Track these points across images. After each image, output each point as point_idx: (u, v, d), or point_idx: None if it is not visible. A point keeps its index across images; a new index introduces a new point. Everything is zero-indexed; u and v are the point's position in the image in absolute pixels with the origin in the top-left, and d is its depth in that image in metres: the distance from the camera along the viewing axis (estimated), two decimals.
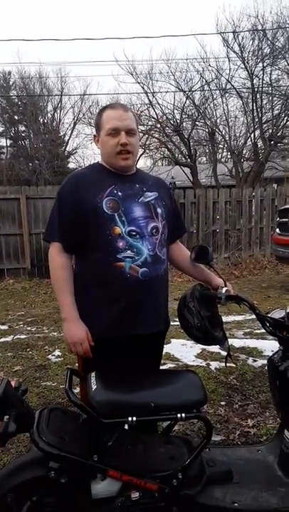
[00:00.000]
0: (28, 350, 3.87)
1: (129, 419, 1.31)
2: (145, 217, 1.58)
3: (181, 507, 1.41)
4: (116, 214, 1.54)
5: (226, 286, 1.63)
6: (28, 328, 4.67)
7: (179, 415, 1.35)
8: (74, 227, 1.57)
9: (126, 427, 1.40)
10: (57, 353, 3.74)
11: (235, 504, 1.45)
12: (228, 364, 2.05)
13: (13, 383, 1.35)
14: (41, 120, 21.35)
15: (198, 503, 1.43)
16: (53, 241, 1.62)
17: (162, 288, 1.66)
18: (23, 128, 22.61)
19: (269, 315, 1.55)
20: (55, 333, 4.39)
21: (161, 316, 1.69)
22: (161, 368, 1.90)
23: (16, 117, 22.75)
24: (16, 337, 4.31)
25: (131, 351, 1.61)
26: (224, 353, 1.70)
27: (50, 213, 1.65)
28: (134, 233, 1.54)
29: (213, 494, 1.47)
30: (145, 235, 1.56)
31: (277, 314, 1.55)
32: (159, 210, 1.63)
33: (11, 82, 22.98)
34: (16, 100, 22.51)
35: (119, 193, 1.57)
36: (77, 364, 3.39)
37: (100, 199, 1.54)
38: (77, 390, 2.72)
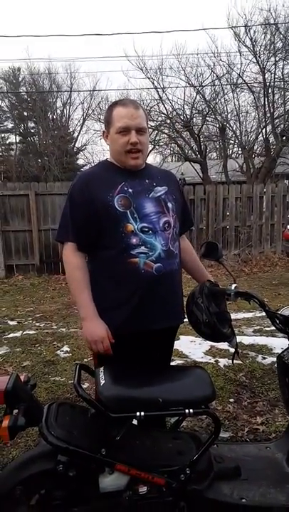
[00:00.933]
0: (36, 345, 3.90)
1: (137, 414, 1.31)
2: (157, 212, 1.58)
3: (188, 502, 1.42)
4: (128, 211, 1.54)
5: (235, 283, 1.62)
6: (37, 324, 4.70)
7: (187, 411, 1.35)
8: (87, 226, 1.57)
9: (134, 421, 1.41)
10: (65, 348, 3.76)
11: (243, 500, 1.45)
12: (235, 361, 2.05)
13: (22, 378, 1.37)
14: (50, 116, 21.42)
15: (205, 499, 1.43)
16: (67, 241, 1.62)
17: (176, 282, 1.66)
18: (33, 124, 22.69)
19: (279, 312, 1.54)
20: (63, 329, 4.42)
21: (177, 310, 1.69)
22: (170, 364, 1.90)
23: (26, 114, 22.84)
24: (24, 332, 4.34)
25: (145, 346, 1.62)
26: (233, 350, 1.69)
27: (62, 213, 1.66)
28: (146, 229, 1.55)
29: (220, 490, 1.47)
30: (158, 230, 1.57)
31: (287, 311, 1.53)
32: (169, 205, 1.63)
33: (20, 79, 23.07)
34: (26, 96, 22.58)
35: (130, 190, 1.57)
36: (85, 360, 3.41)
37: (111, 197, 1.54)
38: (85, 385, 2.74)
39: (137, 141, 1.56)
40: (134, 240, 1.53)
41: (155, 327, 1.61)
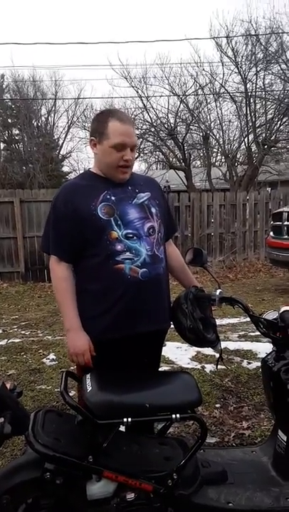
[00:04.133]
0: (22, 353, 3.86)
1: (124, 420, 1.32)
2: (140, 218, 1.60)
3: (176, 507, 1.42)
4: (112, 218, 1.56)
5: (219, 288, 1.64)
6: (22, 332, 4.65)
7: (173, 416, 1.37)
8: (70, 237, 1.59)
9: (122, 428, 1.41)
10: (51, 356, 3.73)
11: (230, 504, 1.46)
12: (221, 366, 2.07)
13: (8, 385, 1.35)
14: (35, 124, 21.32)
15: (193, 503, 1.44)
16: (51, 254, 1.64)
17: (163, 286, 1.67)
18: (17, 131, 22.56)
19: (263, 316, 1.57)
20: (49, 337, 4.38)
21: (163, 315, 1.70)
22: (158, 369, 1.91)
23: (10, 120, 22.70)
24: (10, 341, 4.29)
25: (133, 350, 1.63)
26: (218, 356, 1.71)
27: (46, 224, 1.67)
28: (131, 235, 1.56)
29: (207, 494, 1.48)
30: (142, 235, 1.58)
31: (271, 315, 1.57)
32: (153, 210, 1.65)
33: (4, 85, 22.95)
34: (10, 103, 22.47)
35: (113, 198, 1.59)
36: (72, 367, 3.40)
37: (94, 206, 1.56)
38: (72, 393, 2.72)
39: (131, 158, 1.60)
40: (118, 247, 1.55)
41: (142, 330, 1.61)
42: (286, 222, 5.94)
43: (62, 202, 1.61)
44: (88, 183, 1.65)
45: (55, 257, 1.63)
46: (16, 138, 22.92)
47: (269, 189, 10.50)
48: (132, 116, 12.59)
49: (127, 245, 1.55)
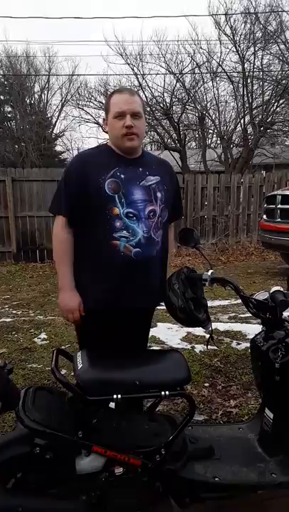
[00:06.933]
0: (13, 333, 3.87)
1: (115, 396, 1.33)
2: (144, 200, 1.65)
3: (163, 482, 1.45)
4: (116, 195, 1.62)
5: (211, 269, 1.65)
6: (14, 312, 4.65)
7: (163, 393, 1.38)
8: (78, 203, 1.65)
9: (111, 404, 1.43)
10: (43, 336, 3.75)
11: (216, 479, 1.50)
12: (211, 347, 2.09)
13: None
14: (28, 101, 20.84)
15: (180, 478, 1.47)
16: (59, 215, 1.70)
17: (154, 268, 1.72)
18: (9, 109, 22.05)
19: (253, 297, 1.58)
20: (41, 317, 4.39)
21: (151, 294, 1.75)
22: (146, 345, 1.94)
23: (2, 97, 22.17)
24: (1, 320, 4.29)
25: (120, 323, 1.72)
26: (208, 336, 1.73)
27: (57, 188, 1.75)
28: (131, 215, 1.62)
29: (194, 469, 1.51)
30: (142, 217, 1.64)
31: (261, 296, 1.57)
32: (158, 194, 1.69)
33: None
34: (2, 80, 21.89)
35: (122, 176, 1.64)
36: (63, 346, 3.42)
37: (103, 180, 1.62)
38: (63, 371, 2.74)
39: (131, 124, 1.63)
40: (118, 224, 1.61)
41: (129, 306, 1.69)
42: (279, 206, 5.94)
43: (75, 169, 1.70)
44: (102, 156, 1.71)
45: (62, 219, 1.69)
46: (9, 116, 22.43)
47: (264, 172, 10.46)
48: None
49: (125, 224, 1.62)
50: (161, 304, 1.78)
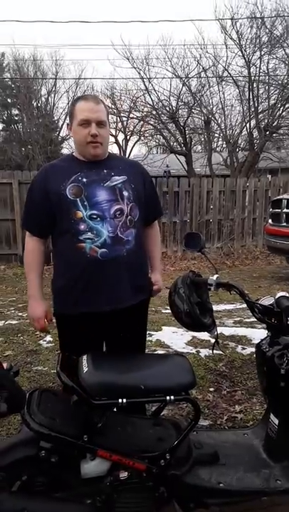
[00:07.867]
0: (19, 335, 3.88)
1: (119, 400, 1.33)
2: (109, 200, 1.67)
3: (168, 487, 1.45)
4: (78, 199, 1.65)
5: (217, 273, 1.65)
6: (20, 314, 4.67)
7: (168, 397, 1.38)
8: (40, 214, 1.72)
9: (116, 409, 1.43)
10: (48, 338, 3.75)
11: (221, 484, 1.49)
12: (215, 351, 2.09)
13: (4, 365, 1.37)
14: (35, 104, 20.98)
15: (184, 483, 1.47)
16: (24, 229, 1.82)
17: (124, 268, 1.71)
18: (16, 112, 22.22)
19: (258, 302, 1.58)
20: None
21: (121, 295, 1.73)
22: (144, 344, 1.94)
23: (9, 100, 22.34)
24: (7, 322, 4.31)
25: (94, 327, 1.74)
26: (213, 341, 1.73)
27: (25, 202, 1.84)
28: (95, 216, 1.65)
29: (199, 475, 1.51)
30: (107, 217, 1.66)
31: (267, 301, 1.57)
32: (125, 193, 1.71)
33: (4, 64, 22.51)
34: (10, 83, 22.07)
35: (84, 179, 1.68)
36: None
37: (64, 186, 1.66)
38: None
39: (96, 133, 1.66)
40: (82, 226, 1.65)
41: (102, 309, 1.70)
42: (285, 210, 5.93)
43: (38, 181, 1.75)
44: (65, 164, 1.77)
45: (27, 231, 1.79)
46: (16, 118, 22.60)
47: (269, 176, 10.44)
48: (134, 98, 12.42)
49: (89, 225, 1.65)
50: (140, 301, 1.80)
